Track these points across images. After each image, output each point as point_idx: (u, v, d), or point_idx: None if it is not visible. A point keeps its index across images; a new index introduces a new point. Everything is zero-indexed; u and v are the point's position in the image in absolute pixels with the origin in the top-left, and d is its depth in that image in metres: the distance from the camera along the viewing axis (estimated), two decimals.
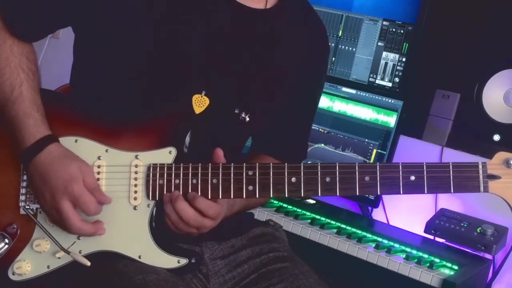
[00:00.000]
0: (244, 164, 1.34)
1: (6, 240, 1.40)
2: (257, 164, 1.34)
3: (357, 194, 1.33)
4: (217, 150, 1.36)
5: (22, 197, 1.41)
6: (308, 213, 2.32)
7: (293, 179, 1.33)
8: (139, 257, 1.37)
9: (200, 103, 1.44)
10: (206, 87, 1.44)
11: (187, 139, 1.39)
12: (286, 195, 1.33)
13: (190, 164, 1.35)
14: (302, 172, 1.33)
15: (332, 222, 2.27)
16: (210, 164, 1.35)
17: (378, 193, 1.33)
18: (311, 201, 2.48)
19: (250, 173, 1.33)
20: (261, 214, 2.21)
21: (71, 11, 1.44)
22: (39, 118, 1.38)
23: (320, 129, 2.52)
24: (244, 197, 1.34)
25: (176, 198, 1.34)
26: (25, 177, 1.41)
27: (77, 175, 1.34)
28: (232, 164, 1.34)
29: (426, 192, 1.31)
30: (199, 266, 1.45)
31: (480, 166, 1.30)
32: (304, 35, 1.59)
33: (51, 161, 1.34)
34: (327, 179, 1.32)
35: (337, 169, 1.32)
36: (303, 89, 1.60)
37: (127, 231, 1.38)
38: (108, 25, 1.42)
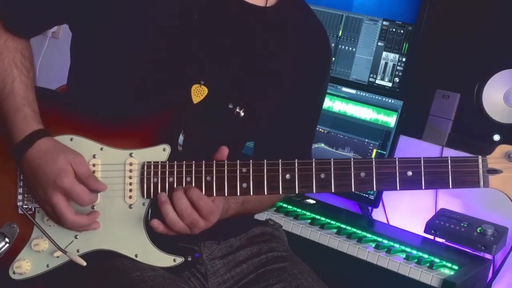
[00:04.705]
0: (238, 161, 1.33)
1: (7, 239, 1.40)
2: (251, 161, 1.33)
3: (353, 190, 1.29)
4: (222, 148, 1.35)
5: (20, 197, 1.41)
6: (308, 213, 2.32)
7: (288, 176, 1.31)
8: (136, 255, 1.37)
9: (198, 92, 1.43)
10: (204, 77, 1.43)
11: (181, 137, 1.38)
12: (281, 192, 1.31)
13: (184, 161, 1.34)
14: (296, 168, 1.31)
15: (332, 222, 2.27)
16: (204, 161, 1.34)
17: (374, 189, 1.29)
18: (311, 201, 2.49)
19: (244, 170, 1.32)
20: (260, 214, 2.20)
21: (66, 7, 1.44)
22: (29, 114, 1.38)
23: (320, 129, 2.52)
24: (238, 194, 1.33)
25: (175, 189, 1.32)
26: (22, 177, 1.41)
27: (66, 168, 1.33)
28: (225, 161, 1.33)
29: (423, 188, 1.27)
30: (196, 264, 1.45)
31: (480, 160, 1.26)
32: (304, 37, 1.57)
33: (40, 156, 1.34)
34: (322, 176, 1.30)
35: (332, 165, 1.30)
36: (303, 91, 1.59)
37: (123, 230, 1.38)
38: (105, 18, 1.41)
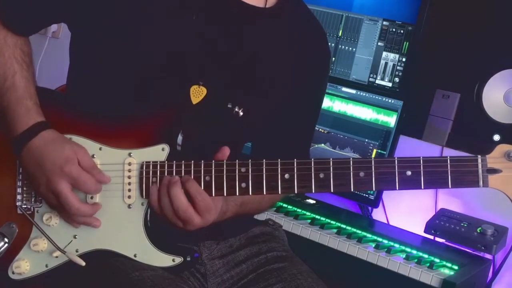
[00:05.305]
0: (237, 161, 1.33)
1: (6, 239, 1.40)
2: (250, 161, 1.32)
3: (352, 190, 1.29)
4: (223, 148, 1.35)
5: (19, 197, 1.41)
6: (308, 213, 2.32)
7: (286, 176, 1.31)
8: (135, 255, 1.37)
9: (197, 93, 1.43)
10: (203, 78, 1.43)
11: (180, 137, 1.38)
12: (280, 192, 1.31)
13: (183, 161, 1.34)
14: (295, 168, 1.31)
15: (332, 222, 2.27)
16: (202, 161, 1.33)
17: (374, 189, 1.29)
18: (311, 201, 2.49)
19: (243, 170, 1.32)
20: (260, 214, 2.20)
21: (66, 7, 1.44)
22: (31, 106, 1.38)
23: (320, 129, 2.52)
24: (237, 194, 1.32)
25: (175, 182, 1.31)
26: (21, 177, 1.41)
27: (72, 157, 1.33)
28: (224, 161, 1.33)
29: (423, 187, 1.26)
30: (196, 264, 1.45)
31: (479, 160, 1.25)
32: (304, 37, 1.57)
33: (45, 144, 1.34)
34: (321, 175, 1.30)
35: (331, 164, 1.30)
36: (303, 91, 1.59)
37: (122, 230, 1.37)
38: (104, 17, 1.41)
